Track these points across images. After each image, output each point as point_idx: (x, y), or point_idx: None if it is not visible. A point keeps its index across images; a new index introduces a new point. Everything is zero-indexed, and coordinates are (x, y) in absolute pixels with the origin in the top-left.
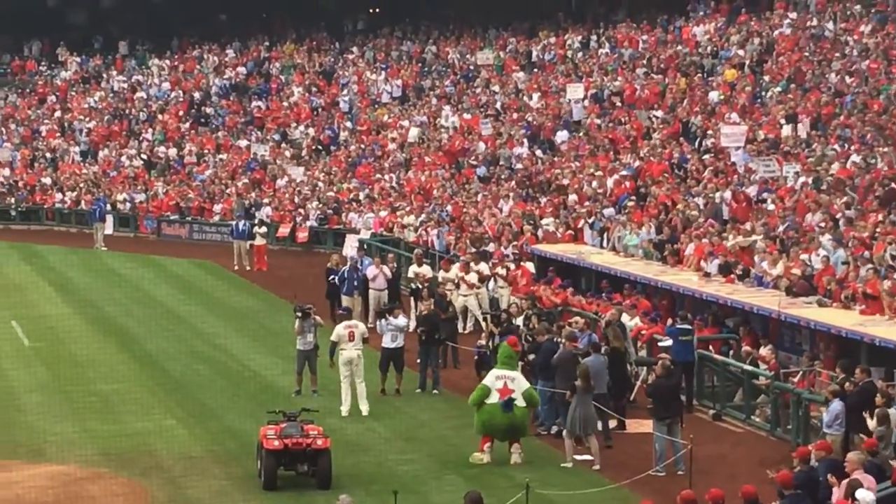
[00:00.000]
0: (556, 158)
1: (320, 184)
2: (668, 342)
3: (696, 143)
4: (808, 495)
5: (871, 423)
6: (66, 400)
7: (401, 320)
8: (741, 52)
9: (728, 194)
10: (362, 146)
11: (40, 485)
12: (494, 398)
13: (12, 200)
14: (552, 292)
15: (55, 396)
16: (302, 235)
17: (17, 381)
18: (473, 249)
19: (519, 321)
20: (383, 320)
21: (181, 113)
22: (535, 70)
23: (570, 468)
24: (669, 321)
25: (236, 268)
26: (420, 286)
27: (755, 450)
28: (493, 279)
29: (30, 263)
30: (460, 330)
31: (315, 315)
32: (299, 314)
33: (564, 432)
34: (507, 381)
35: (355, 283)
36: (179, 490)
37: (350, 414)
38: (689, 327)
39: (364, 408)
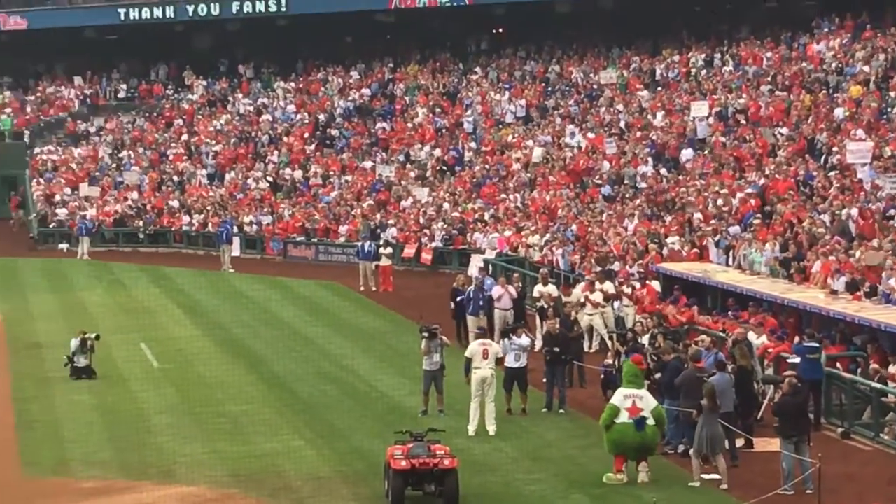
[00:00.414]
0: (680, 177)
1: (445, 204)
2: (796, 360)
3: (822, 160)
4: None
5: None
6: (196, 421)
7: (524, 340)
8: (866, 69)
9: (855, 211)
10: (487, 166)
11: None
12: (624, 417)
13: (140, 223)
14: (678, 311)
15: (184, 418)
16: (426, 257)
17: (146, 402)
18: (598, 268)
19: (644, 340)
20: (507, 340)
21: (306, 135)
22: (659, 88)
23: (698, 487)
24: (797, 339)
25: (362, 289)
26: (546, 305)
27: (884, 469)
28: (618, 298)
29: (158, 286)
30: (586, 349)
31: (441, 335)
32: (426, 334)
33: (692, 451)
34: (635, 400)
35: (481, 303)
36: None
37: (477, 434)
38: (818, 345)
39: (491, 428)
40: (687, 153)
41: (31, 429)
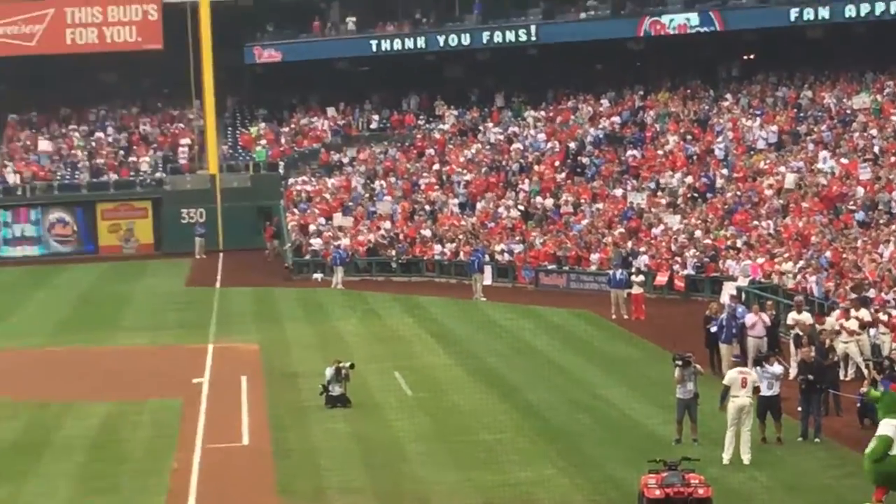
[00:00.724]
0: None
1: (697, 231)
2: None
3: None
4: None
5: None
6: (450, 450)
7: (777, 368)
8: None
9: None
10: (738, 193)
11: None
12: None
13: (393, 253)
14: None
15: (439, 446)
16: (679, 284)
17: (401, 430)
18: (854, 295)
19: None
20: (760, 368)
21: (557, 163)
22: None
23: None
24: None
25: (614, 317)
26: (800, 333)
27: None
28: (874, 325)
29: (411, 315)
30: (842, 377)
31: (695, 363)
32: (679, 362)
33: None
34: None
35: (734, 331)
36: None
37: (731, 462)
38: None
39: (746, 457)
40: None
41: (287, 457)
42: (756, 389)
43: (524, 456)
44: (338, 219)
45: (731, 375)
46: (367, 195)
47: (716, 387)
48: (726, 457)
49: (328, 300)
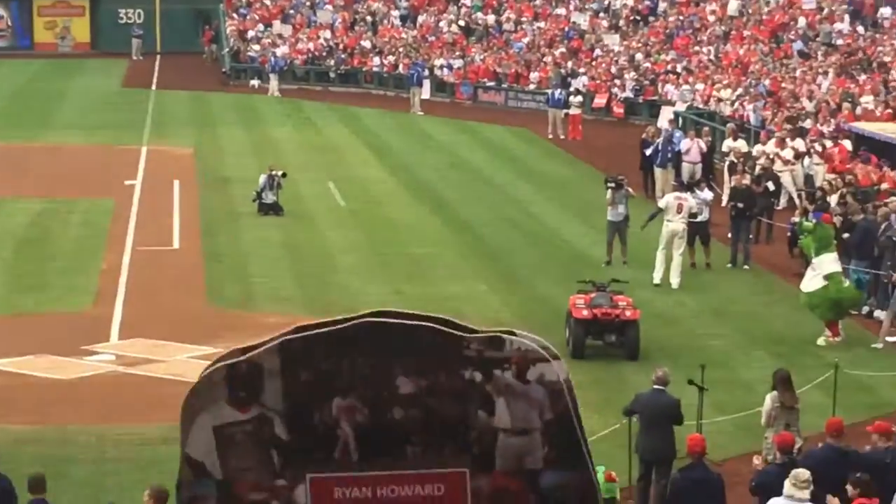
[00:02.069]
0: (878, 35)
1: (638, 54)
2: None
3: None
4: None
5: None
6: (380, 262)
7: (707, 194)
8: None
9: None
10: (681, 18)
11: None
12: (844, 282)
13: (332, 63)
14: (870, 170)
15: (369, 258)
16: (618, 111)
17: (332, 240)
18: (789, 126)
19: (833, 199)
20: (691, 193)
21: None
22: None
23: (881, 349)
24: None
25: (551, 136)
26: (735, 160)
27: None
28: (808, 156)
29: (348, 126)
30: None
31: (628, 186)
32: (612, 185)
33: (889, 312)
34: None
35: (669, 156)
36: None
37: (660, 285)
38: None
39: (675, 281)
40: (885, 11)
41: (217, 262)
42: (692, 215)
43: (454, 271)
44: (277, 26)
45: (668, 199)
46: (307, 3)
47: (648, 210)
48: (657, 276)
49: (264, 107)
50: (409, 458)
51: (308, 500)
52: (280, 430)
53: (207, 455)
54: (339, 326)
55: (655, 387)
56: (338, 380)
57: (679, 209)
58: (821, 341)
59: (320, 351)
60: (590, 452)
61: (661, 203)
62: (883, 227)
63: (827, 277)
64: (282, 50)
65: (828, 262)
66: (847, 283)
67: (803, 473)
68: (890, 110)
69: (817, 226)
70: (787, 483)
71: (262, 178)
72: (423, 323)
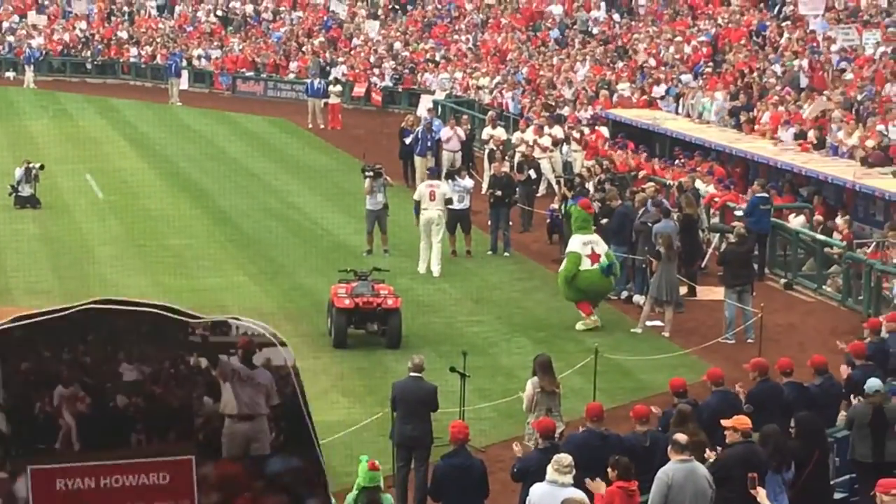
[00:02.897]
0: (633, 23)
1: (396, 43)
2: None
3: (776, 11)
4: (878, 366)
5: None
6: (139, 254)
7: (467, 181)
8: None
9: (806, 62)
10: (439, 6)
11: None
12: (587, 264)
13: (88, 54)
14: (627, 156)
15: (128, 250)
16: (377, 98)
17: (90, 233)
18: (547, 113)
19: (591, 185)
20: (450, 181)
21: None
22: None
23: (640, 334)
24: (750, 190)
25: (310, 126)
26: (494, 148)
27: (826, 320)
28: (566, 142)
29: (105, 117)
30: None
31: (386, 175)
32: (370, 173)
33: (647, 298)
34: (593, 246)
35: (429, 144)
36: None
37: (423, 274)
38: (767, 196)
39: (436, 269)
40: None
41: None
42: (448, 201)
43: (214, 262)
44: (32, 17)
45: (421, 190)
46: None
47: (408, 198)
48: (422, 266)
49: (20, 99)
50: (133, 446)
51: (29, 492)
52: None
53: None
54: (60, 314)
55: (412, 374)
56: (59, 369)
57: (432, 196)
58: (579, 325)
59: (42, 339)
60: (317, 437)
61: (416, 195)
62: (640, 212)
63: (567, 255)
64: (37, 41)
65: (572, 242)
66: (592, 265)
67: (565, 458)
68: (646, 97)
69: (572, 208)
70: (549, 468)
71: (19, 171)
72: (147, 309)
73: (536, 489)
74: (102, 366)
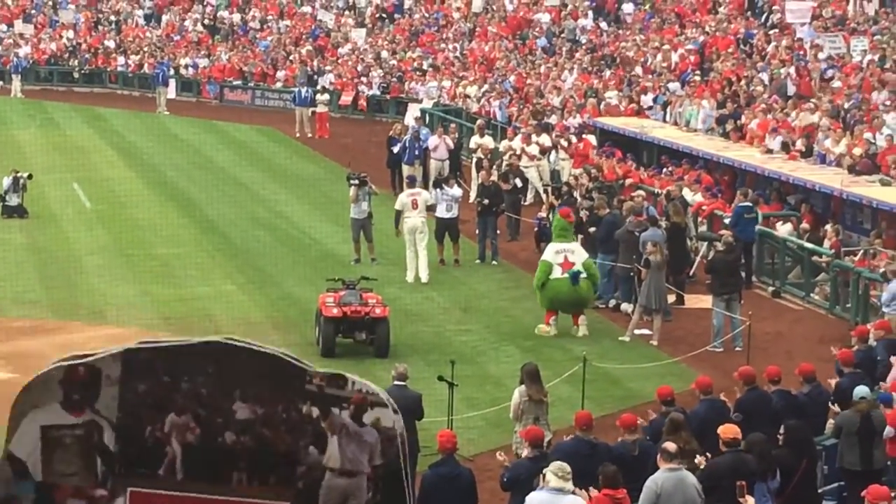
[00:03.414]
0: (620, 31)
1: (384, 52)
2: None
3: (763, 19)
4: (866, 374)
5: None
6: (127, 263)
7: (455, 190)
8: None
9: (793, 70)
10: (426, 14)
11: (100, 346)
12: (558, 273)
13: (75, 63)
14: (615, 164)
15: (116, 259)
16: (363, 103)
17: (78, 243)
18: (535, 121)
19: (577, 194)
20: (439, 190)
21: None
22: None
23: (628, 342)
24: (736, 199)
25: (298, 135)
26: (481, 157)
27: (813, 328)
28: (554, 151)
29: (92, 126)
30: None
31: (371, 183)
32: (355, 182)
33: (637, 306)
34: (567, 255)
35: (416, 153)
36: None
37: (412, 282)
38: (751, 205)
39: (424, 274)
40: (628, 7)
41: None
42: (430, 208)
43: (203, 271)
44: (19, 26)
45: (402, 199)
46: (49, 3)
47: (393, 206)
48: (410, 275)
49: (7, 108)
50: (234, 484)
51: None
52: (109, 438)
53: (31, 455)
54: (186, 343)
55: (396, 383)
56: (176, 396)
57: (414, 205)
58: (536, 329)
59: (163, 365)
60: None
61: (397, 204)
62: (628, 221)
63: (539, 263)
64: (24, 50)
65: (546, 250)
66: (563, 274)
67: (565, 465)
68: (633, 105)
69: (554, 217)
70: (550, 476)
71: (7, 181)
72: (271, 350)
73: (535, 497)
74: (218, 400)
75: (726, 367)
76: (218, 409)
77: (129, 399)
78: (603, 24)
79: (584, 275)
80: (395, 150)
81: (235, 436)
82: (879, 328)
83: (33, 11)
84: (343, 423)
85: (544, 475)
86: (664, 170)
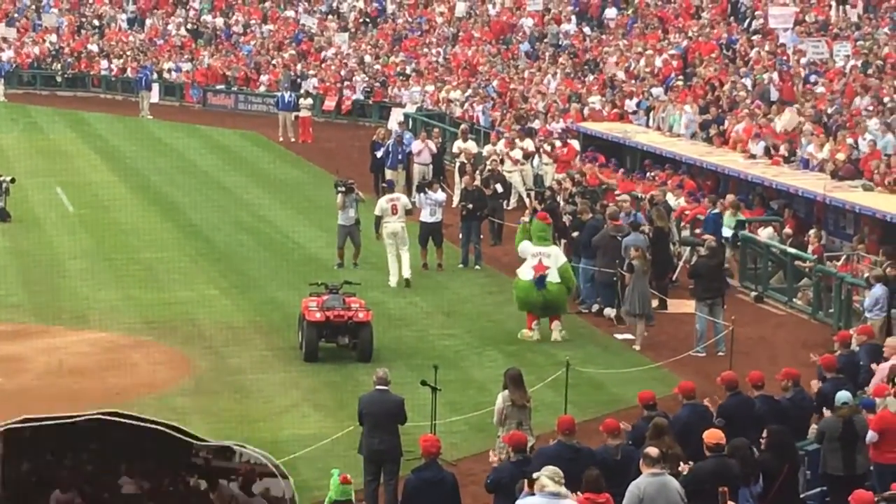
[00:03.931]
0: (604, 36)
1: (367, 57)
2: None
3: (746, 24)
4: (848, 379)
5: None
6: (110, 267)
7: (439, 195)
8: None
9: (776, 75)
10: (409, 19)
11: (82, 350)
12: (529, 275)
13: (58, 66)
14: (599, 170)
15: (99, 263)
16: (347, 106)
17: (61, 247)
18: (518, 126)
19: (560, 199)
20: (422, 194)
21: None
22: None
23: (610, 347)
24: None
25: (281, 139)
26: (465, 161)
27: (796, 333)
28: (537, 156)
29: (75, 130)
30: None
31: (358, 190)
32: (342, 189)
33: (622, 311)
34: (542, 258)
35: (400, 157)
36: (221, 359)
37: (396, 287)
38: (719, 211)
39: (407, 273)
40: (610, 12)
41: None
42: (408, 212)
43: (185, 275)
44: (1, 29)
45: (382, 205)
46: (32, 6)
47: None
48: (393, 280)
49: None
50: None
51: None
52: None
53: None
54: (68, 420)
55: (378, 387)
56: (60, 473)
57: (394, 210)
58: (519, 334)
59: (46, 443)
60: None
61: (377, 210)
62: (605, 226)
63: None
64: (7, 54)
65: (525, 248)
66: (534, 276)
67: (559, 470)
68: (616, 110)
69: (532, 220)
70: (546, 480)
71: None
72: (154, 426)
73: (531, 502)
74: (103, 476)
75: (709, 371)
76: (103, 485)
77: (12, 477)
78: (586, 29)
79: (552, 279)
80: (379, 154)
81: None
82: (862, 333)
83: (16, 15)
84: (232, 494)
85: (533, 480)
86: (647, 174)
